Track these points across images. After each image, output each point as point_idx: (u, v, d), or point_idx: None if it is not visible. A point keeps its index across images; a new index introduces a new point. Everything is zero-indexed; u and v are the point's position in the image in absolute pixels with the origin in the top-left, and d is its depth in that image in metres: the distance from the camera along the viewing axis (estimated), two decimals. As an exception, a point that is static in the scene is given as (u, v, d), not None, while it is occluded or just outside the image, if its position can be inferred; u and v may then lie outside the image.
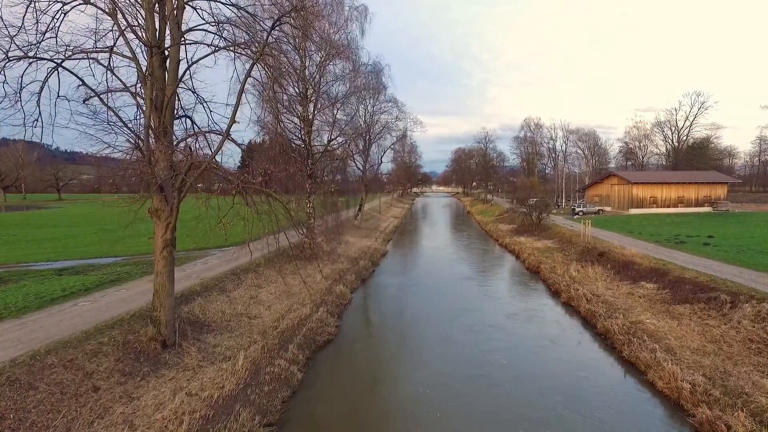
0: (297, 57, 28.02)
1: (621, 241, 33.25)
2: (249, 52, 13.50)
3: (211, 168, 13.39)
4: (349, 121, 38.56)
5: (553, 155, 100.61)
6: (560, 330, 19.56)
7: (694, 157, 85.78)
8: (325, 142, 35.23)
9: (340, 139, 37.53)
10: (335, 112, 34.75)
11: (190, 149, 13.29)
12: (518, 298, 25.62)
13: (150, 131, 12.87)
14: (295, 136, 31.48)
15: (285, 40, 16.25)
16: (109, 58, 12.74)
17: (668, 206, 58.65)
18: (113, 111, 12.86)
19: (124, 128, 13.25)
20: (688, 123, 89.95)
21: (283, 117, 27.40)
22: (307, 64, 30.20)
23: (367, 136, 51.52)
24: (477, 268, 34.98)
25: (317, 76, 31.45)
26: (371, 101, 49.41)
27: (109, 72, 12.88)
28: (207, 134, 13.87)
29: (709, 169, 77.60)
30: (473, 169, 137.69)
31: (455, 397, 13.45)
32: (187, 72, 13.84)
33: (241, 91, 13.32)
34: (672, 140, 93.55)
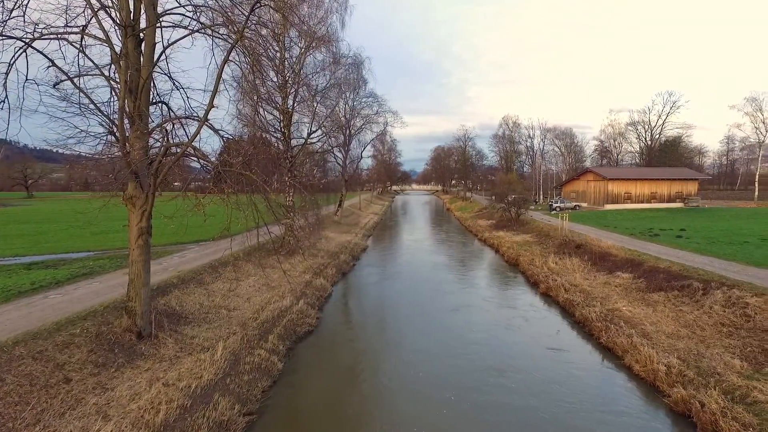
0: (276, 45, 27.60)
1: (597, 234, 33.90)
2: (227, 35, 13.20)
3: (188, 154, 13.07)
4: (329, 114, 38.23)
5: (531, 153, 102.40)
6: (540, 318, 19.82)
7: (666, 155, 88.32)
8: (305, 135, 34.93)
9: (319, 133, 37.27)
10: (315, 104, 34.40)
11: (167, 132, 12.93)
12: (498, 290, 25.87)
13: (124, 115, 12.47)
14: (275, 128, 31.05)
15: (264, 26, 15.94)
16: (81, 39, 12.30)
17: (642, 202, 60.23)
18: (86, 94, 12.43)
19: (98, 112, 12.83)
20: (660, 121, 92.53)
21: (262, 108, 27.02)
22: (287, 55, 29.81)
23: (348, 131, 51.27)
24: (457, 262, 35.21)
25: (297, 66, 31.06)
26: (351, 95, 49.23)
27: (81, 54, 12.44)
28: (184, 120, 13.54)
29: (680, 166, 79.93)
30: (452, 167, 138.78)
31: (434, 384, 13.49)
32: (164, 56, 13.45)
33: (220, 75, 13.00)
34: (645, 138, 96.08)
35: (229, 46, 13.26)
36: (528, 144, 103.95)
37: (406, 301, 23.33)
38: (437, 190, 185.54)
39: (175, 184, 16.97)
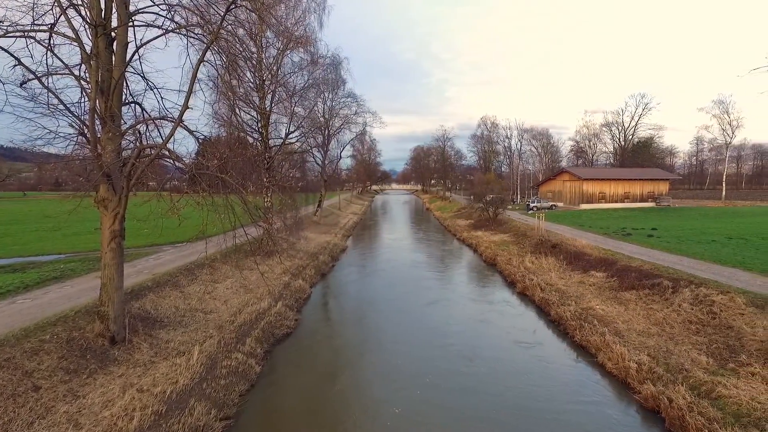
0: (253, 46, 27.32)
1: (572, 233, 34.61)
2: (202, 35, 13.01)
3: (163, 156, 12.86)
4: (307, 114, 38.02)
5: (509, 153, 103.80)
6: (517, 317, 20.13)
7: (639, 155, 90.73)
8: (283, 136, 34.68)
9: (298, 134, 37.06)
10: (293, 105, 34.17)
11: (140, 133, 12.68)
12: (476, 289, 26.17)
13: (96, 116, 12.18)
14: (252, 128, 30.74)
15: (240, 26, 15.74)
16: (50, 38, 11.96)
17: (616, 201, 61.72)
18: (55, 94, 12.09)
19: (67, 113, 12.50)
20: (633, 122, 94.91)
21: (239, 108, 26.71)
22: (264, 56, 29.53)
23: (326, 131, 51.08)
24: (436, 261, 35.46)
25: (275, 67, 30.80)
26: (330, 95, 49.11)
27: (49, 53, 12.10)
28: (158, 121, 13.29)
29: (653, 166, 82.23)
30: (432, 166, 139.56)
31: (413, 386, 13.57)
32: (137, 55, 13.17)
33: (195, 75, 12.81)
34: (619, 139, 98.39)
35: (205, 46, 13.08)
36: (506, 144, 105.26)
37: (385, 299, 23.53)
38: (417, 190, 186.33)
39: (150, 184, 16.65)
